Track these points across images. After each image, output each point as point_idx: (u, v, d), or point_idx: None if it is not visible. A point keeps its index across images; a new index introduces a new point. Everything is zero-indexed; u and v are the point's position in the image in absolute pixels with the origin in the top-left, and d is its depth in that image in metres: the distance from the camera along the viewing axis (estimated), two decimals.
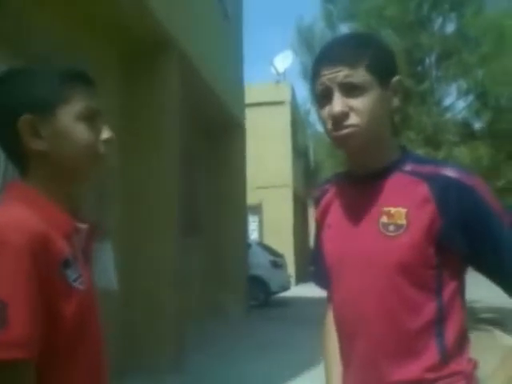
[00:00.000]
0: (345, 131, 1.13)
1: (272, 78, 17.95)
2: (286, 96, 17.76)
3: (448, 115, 11.32)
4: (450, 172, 1.10)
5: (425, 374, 1.10)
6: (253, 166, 13.01)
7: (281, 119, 17.47)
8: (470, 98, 11.13)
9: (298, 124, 19.70)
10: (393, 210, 1.12)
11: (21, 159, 1.04)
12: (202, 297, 8.71)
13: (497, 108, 10.45)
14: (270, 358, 6.21)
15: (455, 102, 11.46)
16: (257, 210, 16.66)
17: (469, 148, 10.16)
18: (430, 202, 1.08)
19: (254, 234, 16.39)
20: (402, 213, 1.11)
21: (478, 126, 11.48)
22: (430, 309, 1.10)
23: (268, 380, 5.20)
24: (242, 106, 10.67)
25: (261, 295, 11.57)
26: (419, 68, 11.21)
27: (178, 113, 5.98)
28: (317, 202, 1.37)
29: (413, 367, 1.10)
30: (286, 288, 12.38)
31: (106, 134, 1.09)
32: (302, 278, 17.88)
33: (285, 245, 16.13)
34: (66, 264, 0.97)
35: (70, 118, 1.02)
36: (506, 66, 9.06)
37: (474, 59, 9.88)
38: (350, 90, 1.13)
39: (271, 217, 16.85)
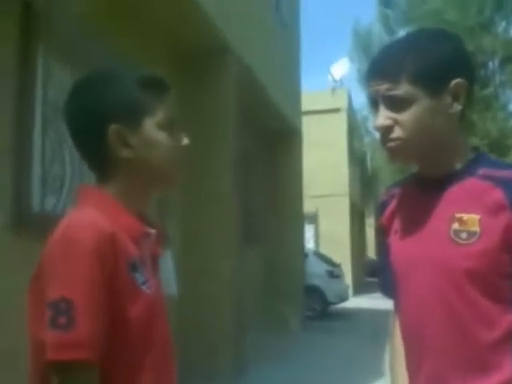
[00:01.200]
0: (389, 144, 1.11)
1: (329, 86, 17.84)
2: (342, 103, 17.60)
3: None
4: None
5: None
6: (309, 174, 12.91)
7: (337, 127, 17.31)
8: None
9: (354, 131, 19.45)
10: (465, 216, 1.07)
11: (103, 165, 1.06)
12: (259, 307, 8.67)
13: None
14: (330, 372, 6.06)
15: None
16: (313, 218, 16.50)
17: None
18: (504, 208, 1.03)
19: (309, 243, 16.23)
20: (475, 220, 1.06)
21: None
22: (505, 322, 1.04)
23: None
24: (299, 113, 10.63)
25: (318, 306, 11.38)
26: (482, 72, 10.82)
27: (235, 120, 6.00)
28: (383, 206, 1.32)
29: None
30: (343, 299, 12.14)
31: (184, 140, 1.12)
32: (359, 289, 17.50)
33: (342, 254, 15.86)
34: (134, 267, 0.97)
35: (154, 126, 1.05)
36: None
37: None
38: (394, 103, 1.09)
39: (327, 226, 16.64)
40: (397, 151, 1.12)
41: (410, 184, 1.24)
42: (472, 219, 1.06)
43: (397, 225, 1.24)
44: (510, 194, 1.03)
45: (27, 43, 3.22)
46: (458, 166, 1.13)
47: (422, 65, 1.07)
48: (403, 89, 1.07)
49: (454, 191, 1.11)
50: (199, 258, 5.57)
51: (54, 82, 3.44)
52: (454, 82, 1.08)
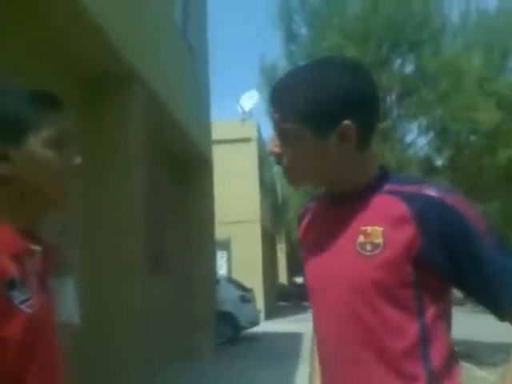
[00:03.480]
0: (283, 171, 1.16)
1: (239, 116, 18.26)
2: (252, 133, 18.06)
3: (410, 151, 11.66)
4: (430, 191, 1.06)
5: None
6: (221, 201, 13.05)
7: (248, 156, 17.70)
8: (431, 134, 11.52)
9: (264, 161, 19.96)
10: (369, 229, 1.09)
11: None
12: (169, 336, 8.52)
13: (456, 144, 10.83)
14: None
15: (416, 138, 11.84)
16: (225, 245, 16.61)
17: None
18: (408, 222, 1.05)
19: (222, 270, 16.28)
20: (378, 231, 1.07)
21: (439, 161, 11.86)
22: (412, 330, 1.05)
23: None
24: (209, 142, 10.78)
25: (230, 331, 11.41)
26: (380, 107, 11.58)
27: (143, 149, 5.92)
28: (299, 220, 1.34)
29: None
30: (255, 323, 12.27)
31: (76, 159, 1.07)
32: (272, 313, 17.73)
33: (254, 279, 16.04)
34: (11, 284, 0.92)
35: (39, 144, 1.00)
36: (463, 102, 9.47)
37: (433, 97, 10.28)
38: (281, 135, 1.12)
39: (240, 252, 16.81)
40: (288, 176, 1.16)
41: (322, 199, 1.25)
42: (375, 231, 1.08)
43: (309, 239, 1.26)
44: (414, 208, 1.05)
45: None
46: (363, 182, 1.14)
47: (312, 106, 1.07)
48: (291, 125, 1.08)
49: (360, 206, 1.12)
50: (103, 286, 5.39)
51: None
52: (342, 124, 1.07)
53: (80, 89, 5.62)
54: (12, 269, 0.93)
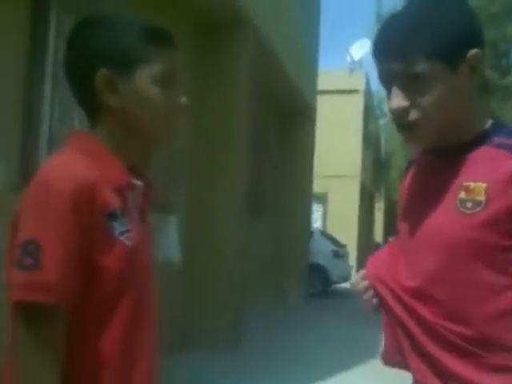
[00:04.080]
0: (407, 129, 1.05)
1: (348, 66, 17.59)
2: (359, 85, 17.37)
3: None
4: None
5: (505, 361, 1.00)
6: (322, 154, 12.84)
7: (353, 108, 17.13)
8: None
9: (370, 113, 19.24)
10: (472, 184, 1.02)
11: (93, 111, 1.04)
12: (262, 278, 8.75)
13: None
14: (325, 347, 6.14)
15: None
16: (322, 198, 16.49)
17: None
18: None
19: (317, 223, 16.25)
20: (481, 188, 1.00)
21: None
22: (508, 296, 1.00)
23: (321, 367, 5.15)
24: (315, 90, 10.52)
25: (320, 284, 11.48)
26: (504, 61, 10.57)
27: (250, 93, 5.94)
28: (404, 175, 1.28)
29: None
30: (346, 279, 12.20)
31: (180, 99, 1.06)
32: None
33: (348, 236, 15.89)
34: (113, 216, 0.95)
35: (147, 78, 1.00)
36: None
37: None
38: (410, 83, 1.01)
39: (336, 206, 16.63)
40: (414, 134, 1.06)
41: (428, 153, 1.18)
42: (479, 187, 1.01)
43: (410, 193, 1.21)
44: None
45: (39, 0, 3.21)
46: (474, 134, 1.07)
47: (440, 38, 0.99)
48: (421, 66, 0.99)
49: (466, 160, 1.06)
50: (205, 224, 5.61)
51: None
52: (471, 52, 1.01)
53: (191, 27, 5.66)
54: (114, 202, 0.96)
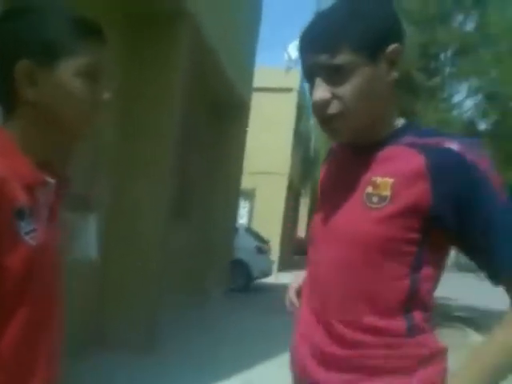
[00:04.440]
0: (328, 123, 1.07)
1: (285, 65, 17.75)
2: (294, 83, 17.60)
3: (454, 113, 11.20)
4: (451, 144, 1.01)
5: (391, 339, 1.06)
6: (253, 150, 12.91)
7: (287, 106, 17.34)
8: (479, 97, 11.01)
9: (303, 112, 19.58)
10: (379, 179, 1.05)
11: (10, 104, 0.99)
12: (185, 275, 8.70)
13: (503, 109, 10.38)
14: (243, 342, 6.22)
15: (464, 99, 11.34)
16: (249, 195, 16.62)
17: None
18: (422, 176, 1.00)
19: (243, 219, 16.37)
20: (387, 183, 1.03)
21: (482, 126, 11.39)
22: (402, 285, 1.04)
23: (238, 363, 5.21)
24: (250, 87, 10.52)
25: (242, 279, 11.61)
26: (433, 63, 11.04)
27: (182, 85, 5.77)
28: (325, 160, 1.31)
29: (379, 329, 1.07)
30: (267, 274, 12.43)
31: (103, 94, 1.03)
32: (286, 265, 17.96)
33: (273, 232, 16.16)
34: (20, 214, 0.91)
35: (70, 71, 0.97)
36: None
37: (489, 58, 9.74)
38: (333, 74, 1.03)
39: (263, 203, 16.83)
40: (334, 128, 1.07)
41: (344, 148, 1.21)
42: (385, 183, 1.04)
43: (324, 187, 1.24)
44: (430, 161, 1.00)
45: None
46: (386, 133, 1.10)
47: (362, 31, 1.02)
48: (344, 57, 1.01)
49: (377, 157, 1.09)
50: (126, 223, 5.46)
51: None
52: (390, 47, 1.05)
53: (126, 23, 5.46)
54: (22, 199, 0.93)
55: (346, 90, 1.02)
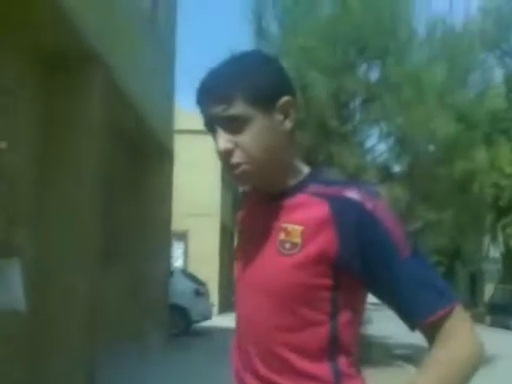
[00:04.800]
0: (234, 171, 1.11)
1: None
2: None
3: (369, 157, 11.80)
4: (351, 193, 1.06)
5: None
6: (181, 192, 12.94)
7: (211, 148, 17.50)
8: (391, 141, 11.69)
9: None
10: (290, 227, 1.08)
11: None
12: (121, 323, 8.45)
13: (415, 152, 11.06)
14: None
15: (376, 144, 12.00)
16: (183, 237, 16.51)
17: (387, 189, 10.61)
18: (328, 224, 1.04)
19: (178, 262, 16.18)
20: (297, 230, 1.07)
21: (397, 168, 12.05)
22: (322, 332, 1.07)
23: None
24: (171, 131, 10.66)
25: (181, 324, 11.38)
26: (344, 110, 11.65)
27: (100, 132, 5.81)
28: (240, 204, 1.34)
29: None
30: (207, 317, 12.26)
31: None
32: (225, 307, 17.77)
33: (210, 273, 16.01)
34: None
35: None
36: (423, 113, 9.68)
37: (395, 105, 10.45)
38: (231, 124, 1.08)
39: (197, 244, 16.74)
40: (241, 176, 1.11)
41: (254, 196, 1.24)
42: (295, 230, 1.07)
43: (241, 230, 1.26)
44: (334, 210, 1.05)
45: None
46: (292, 182, 1.14)
47: (254, 83, 1.08)
48: (237, 109, 1.06)
49: (285, 205, 1.12)
50: (52, 271, 5.29)
51: None
52: (282, 99, 1.10)
53: (39, 67, 5.46)
54: None
55: (245, 139, 1.08)
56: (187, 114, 14.71)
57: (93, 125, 5.71)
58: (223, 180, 18.50)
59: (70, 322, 5.27)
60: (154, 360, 8.03)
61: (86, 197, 5.56)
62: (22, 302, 4.63)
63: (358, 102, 11.62)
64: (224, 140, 1.09)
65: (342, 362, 1.08)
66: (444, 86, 9.80)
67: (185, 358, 8.40)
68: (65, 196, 5.47)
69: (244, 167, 1.09)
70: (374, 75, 11.48)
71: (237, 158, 1.09)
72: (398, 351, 10.80)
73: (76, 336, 5.29)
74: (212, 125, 1.12)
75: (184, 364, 7.81)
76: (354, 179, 11.01)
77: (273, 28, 11.72)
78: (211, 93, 1.10)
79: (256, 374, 1.11)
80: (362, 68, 11.58)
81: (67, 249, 5.37)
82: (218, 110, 1.08)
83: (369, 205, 1.04)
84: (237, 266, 1.24)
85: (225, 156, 1.09)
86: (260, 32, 11.48)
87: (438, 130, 9.45)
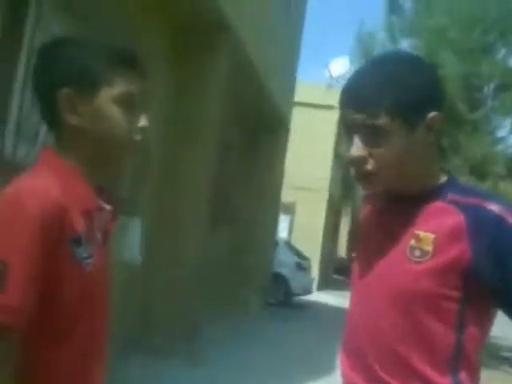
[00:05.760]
0: (364, 178, 1.10)
1: (326, 81, 17.78)
2: (336, 101, 17.55)
3: (499, 147, 10.96)
4: (492, 206, 1.04)
5: None
6: (293, 165, 12.94)
7: (327, 123, 17.33)
8: None
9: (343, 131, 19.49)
10: (422, 234, 1.07)
11: (55, 127, 1.06)
12: (223, 285, 8.73)
13: None
14: (281, 356, 6.16)
15: (508, 135, 11.08)
16: (290, 209, 16.59)
17: None
18: (462, 234, 1.03)
19: (283, 233, 16.34)
20: (430, 238, 1.06)
21: None
22: (447, 344, 1.05)
23: (276, 377, 5.18)
24: (291, 103, 10.61)
25: (281, 295, 11.52)
26: (476, 95, 10.87)
27: (223, 100, 5.90)
28: (365, 202, 1.32)
29: None
30: (307, 291, 12.30)
31: (141, 121, 1.07)
32: (325, 284, 17.73)
33: (312, 248, 16.00)
34: (78, 241, 0.96)
35: (108, 99, 1.02)
36: None
37: None
38: (370, 134, 1.06)
39: (303, 218, 16.76)
40: (370, 184, 1.11)
41: (385, 198, 1.22)
42: (427, 237, 1.06)
43: (365, 233, 1.25)
44: (471, 221, 1.03)
45: None
46: (427, 188, 1.13)
47: (402, 97, 1.04)
48: (381, 121, 1.04)
49: (420, 211, 1.11)
50: (166, 233, 5.52)
51: (44, 32, 3.40)
52: (430, 115, 1.07)
53: (169, 34, 5.62)
54: (80, 226, 0.97)
55: (382, 152, 1.06)
56: (304, 86, 14.56)
57: (218, 92, 5.82)
58: (336, 157, 18.22)
59: (176, 279, 5.48)
60: (253, 326, 8.21)
61: (202, 162, 5.74)
62: (139, 258, 4.91)
63: (491, 87, 10.78)
64: (359, 148, 1.07)
65: (464, 377, 1.05)
66: None
67: (282, 327, 8.50)
68: (184, 159, 5.66)
69: (376, 176, 1.08)
70: None
71: (370, 166, 1.07)
72: (507, 354, 10.04)
73: (180, 296, 5.49)
74: (350, 129, 1.10)
75: (280, 332, 7.89)
76: (481, 173, 10.31)
77: (407, 3, 11.11)
78: (356, 98, 1.07)
79: (373, 379, 1.09)
80: (501, 52, 10.68)
81: (180, 213, 5.58)
82: (361, 117, 1.06)
83: (510, 218, 1.03)
84: (356, 267, 1.22)
85: (356, 163, 1.08)
86: (393, 6, 10.92)
87: None
